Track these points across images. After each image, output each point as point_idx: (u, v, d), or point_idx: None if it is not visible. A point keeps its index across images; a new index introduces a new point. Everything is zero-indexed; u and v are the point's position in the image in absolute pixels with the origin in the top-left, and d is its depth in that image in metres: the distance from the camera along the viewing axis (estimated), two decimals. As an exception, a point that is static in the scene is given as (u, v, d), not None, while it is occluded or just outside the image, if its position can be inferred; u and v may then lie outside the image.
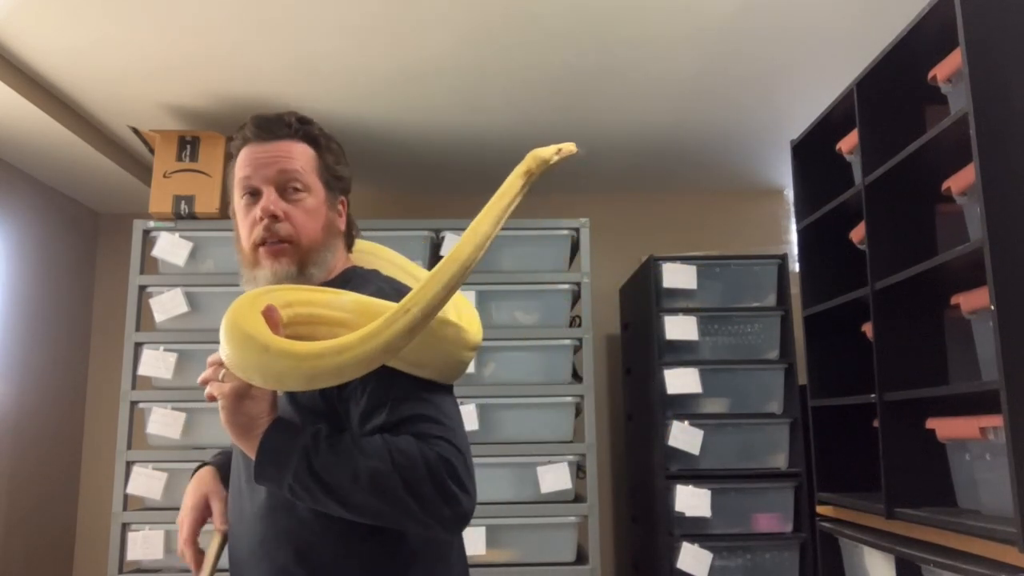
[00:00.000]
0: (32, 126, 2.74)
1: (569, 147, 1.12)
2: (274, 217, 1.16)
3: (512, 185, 1.08)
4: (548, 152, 1.10)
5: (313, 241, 1.18)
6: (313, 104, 2.78)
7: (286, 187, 1.18)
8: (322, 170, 1.22)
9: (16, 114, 2.64)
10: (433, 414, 1.05)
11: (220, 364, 1.03)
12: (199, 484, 1.24)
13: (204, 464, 1.28)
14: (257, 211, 1.16)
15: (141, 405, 2.59)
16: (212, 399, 1.04)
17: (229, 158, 1.25)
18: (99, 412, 3.51)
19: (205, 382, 1.05)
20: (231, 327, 0.99)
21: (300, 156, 1.20)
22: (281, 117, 1.21)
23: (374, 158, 3.28)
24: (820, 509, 2.30)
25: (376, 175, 3.50)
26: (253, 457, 1.03)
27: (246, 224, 1.18)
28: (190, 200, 2.73)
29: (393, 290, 1.16)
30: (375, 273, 1.24)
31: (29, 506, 3.15)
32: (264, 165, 1.18)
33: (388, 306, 1.03)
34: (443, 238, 2.72)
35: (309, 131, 1.23)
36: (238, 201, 1.20)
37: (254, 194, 1.18)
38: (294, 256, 1.17)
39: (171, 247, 2.65)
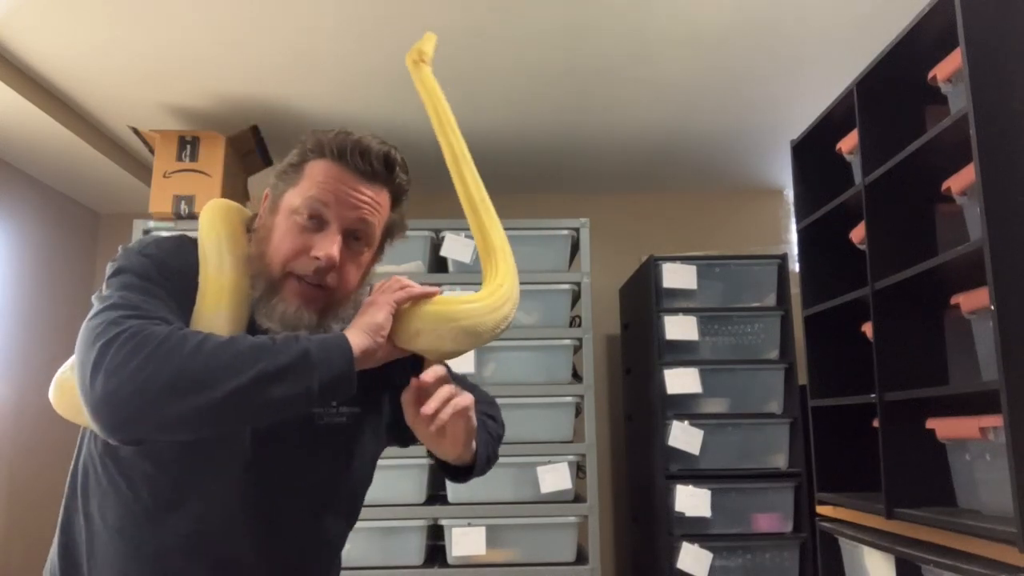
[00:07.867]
0: (32, 126, 2.74)
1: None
2: (332, 266, 1.05)
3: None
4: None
5: (347, 293, 1.09)
6: (313, 104, 2.78)
7: (354, 237, 1.08)
8: (388, 225, 1.13)
9: (16, 114, 2.64)
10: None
11: (445, 379, 1.04)
12: None
13: None
14: (319, 251, 1.04)
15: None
16: (460, 416, 1.03)
17: (307, 153, 1.09)
18: (99, 412, 3.51)
19: (448, 401, 1.02)
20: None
21: (382, 210, 1.10)
22: (389, 158, 1.09)
23: (374, 158, 3.27)
24: (820, 509, 2.29)
25: (376, 175, 3.49)
26: (469, 462, 1.11)
27: (292, 244, 1.05)
28: (190, 200, 2.73)
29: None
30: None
31: (29, 506, 3.15)
32: (348, 206, 1.06)
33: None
34: (443, 238, 2.72)
35: (402, 185, 1.12)
36: (291, 215, 1.06)
37: (319, 221, 1.05)
38: (322, 306, 1.07)
39: (171, 247, 2.65)
